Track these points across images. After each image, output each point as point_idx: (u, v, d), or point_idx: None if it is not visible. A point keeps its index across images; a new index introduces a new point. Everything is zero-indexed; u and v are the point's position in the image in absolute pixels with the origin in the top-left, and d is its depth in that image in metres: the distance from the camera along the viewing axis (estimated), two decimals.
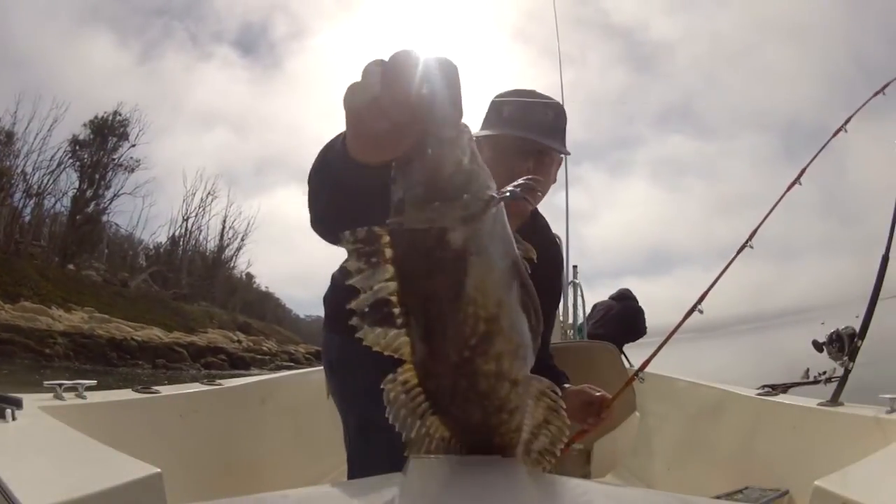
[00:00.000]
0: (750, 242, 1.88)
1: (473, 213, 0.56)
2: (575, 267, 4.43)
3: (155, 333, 23.43)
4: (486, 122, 1.50)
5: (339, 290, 1.52)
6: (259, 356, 26.53)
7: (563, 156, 1.56)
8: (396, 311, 0.58)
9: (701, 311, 1.76)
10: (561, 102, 1.55)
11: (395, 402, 0.64)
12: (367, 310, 0.58)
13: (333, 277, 1.55)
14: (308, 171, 0.84)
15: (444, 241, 0.56)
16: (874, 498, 1.00)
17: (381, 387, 0.64)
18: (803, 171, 1.98)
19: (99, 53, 42.50)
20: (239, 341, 27.88)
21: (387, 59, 0.56)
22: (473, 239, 0.56)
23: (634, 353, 3.53)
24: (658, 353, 1.93)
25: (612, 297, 4.82)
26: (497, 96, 1.52)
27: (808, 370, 1.80)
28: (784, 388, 2.04)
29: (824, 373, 1.77)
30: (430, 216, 0.56)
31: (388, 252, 0.57)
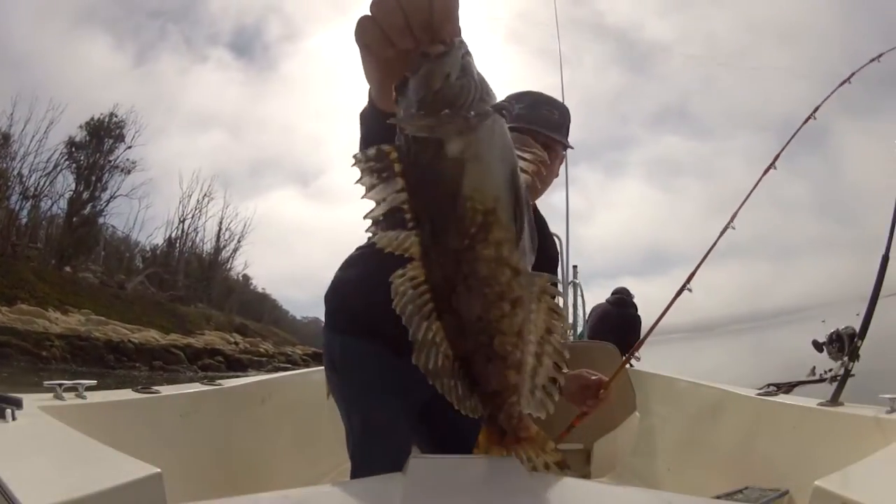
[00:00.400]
0: (732, 224, 1.93)
1: (467, 126, 0.61)
2: (575, 267, 4.42)
3: (152, 335, 23.34)
4: None
5: (341, 290, 1.53)
6: (256, 358, 26.45)
7: (564, 152, 1.62)
8: (408, 216, 0.64)
9: (690, 290, 1.80)
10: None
11: (403, 296, 0.67)
12: (381, 218, 0.63)
13: (336, 277, 1.56)
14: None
15: (443, 151, 0.61)
16: (874, 498, 1.00)
17: (389, 280, 0.66)
18: (777, 156, 2.06)
19: (95, 56, 42.41)
20: (236, 343, 27.81)
21: None
22: (470, 148, 0.61)
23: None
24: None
25: (609, 302, 4.68)
26: (507, 97, 1.58)
27: (814, 368, 1.79)
28: (789, 386, 2.04)
29: (830, 370, 1.77)
30: (426, 124, 0.61)
31: (398, 167, 0.62)
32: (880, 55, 2.13)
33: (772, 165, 2.05)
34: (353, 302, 1.47)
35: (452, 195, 0.62)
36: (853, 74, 2.15)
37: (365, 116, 0.86)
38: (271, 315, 39.72)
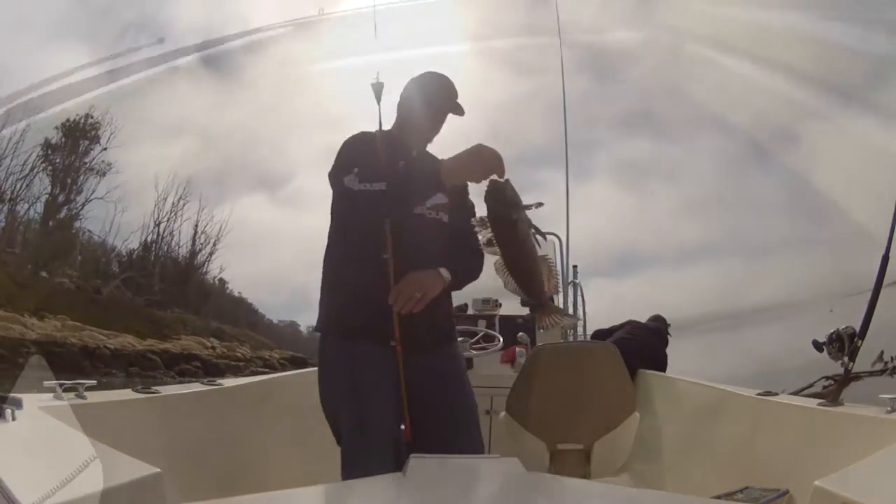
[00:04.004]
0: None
1: (521, 215, 1.56)
2: (575, 267, 4.47)
3: (128, 341, 22.97)
4: None
5: (330, 295, 1.74)
6: (234, 363, 26.19)
7: None
8: (495, 242, 1.57)
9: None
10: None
11: (496, 266, 1.60)
12: (483, 242, 1.59)
13: (328, 284, 1.75)
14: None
15: (513, 220, 1.55)
16: (874, 498, 1.01)
17: (494, 264, 1.64)
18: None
19: (69, 65, 41.79)
20: (213, 347, 27.46)
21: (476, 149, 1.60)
22: (519, 217, 1.54)
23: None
24: None
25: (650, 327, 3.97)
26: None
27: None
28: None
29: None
30: (514, 215, 1.57)
31: (490, 223, 1.58)
32: None
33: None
34: (345, 309, 1.69)
35: (512, 231, 1.55)
36: None
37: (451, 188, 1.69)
38: (247, 319, 39.23)
